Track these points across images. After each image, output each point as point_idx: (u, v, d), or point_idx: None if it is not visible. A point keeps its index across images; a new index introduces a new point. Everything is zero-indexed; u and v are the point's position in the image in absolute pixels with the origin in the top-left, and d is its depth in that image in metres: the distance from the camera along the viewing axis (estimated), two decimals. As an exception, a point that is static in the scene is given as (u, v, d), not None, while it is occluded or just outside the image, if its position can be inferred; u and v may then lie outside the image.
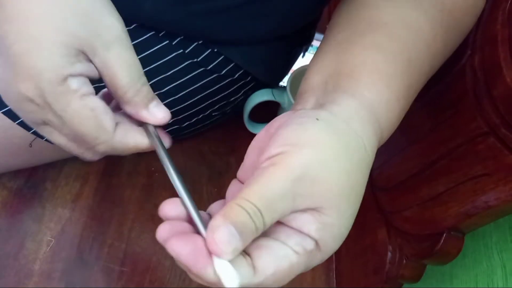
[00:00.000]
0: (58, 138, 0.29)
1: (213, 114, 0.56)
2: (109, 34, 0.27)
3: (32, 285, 0.46)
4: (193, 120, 0.54)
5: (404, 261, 0.41)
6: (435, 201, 0.37)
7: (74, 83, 0.26)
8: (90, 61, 0.27)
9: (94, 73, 0.28)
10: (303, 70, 0.61)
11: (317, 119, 0.25)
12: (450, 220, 0.35)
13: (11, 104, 0.27)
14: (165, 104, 0.49)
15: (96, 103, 0.27)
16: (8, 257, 0.47)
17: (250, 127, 0.61)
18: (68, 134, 0.28)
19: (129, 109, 0.29)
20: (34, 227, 0.50)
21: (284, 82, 0.71)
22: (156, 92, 0.47)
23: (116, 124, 0.29)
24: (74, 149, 0.29)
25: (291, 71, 0.62)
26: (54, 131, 0.28)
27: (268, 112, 0.64)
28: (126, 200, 0.54)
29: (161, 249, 0.51)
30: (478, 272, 0.37)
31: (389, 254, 0.43)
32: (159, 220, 0.52)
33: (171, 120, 0.52)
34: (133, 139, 0.29)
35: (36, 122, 0.28)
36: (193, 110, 0.52)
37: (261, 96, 0.55)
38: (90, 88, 0.27)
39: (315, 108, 0.28)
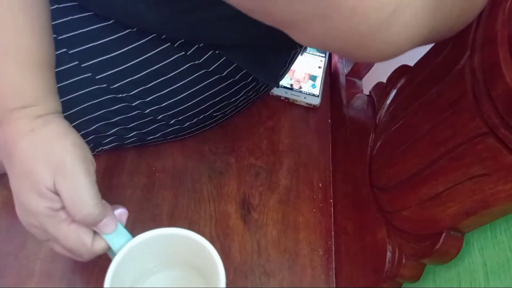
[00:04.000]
0: (58, 248, 0.38)
1: (214, 114, 0.56)
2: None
3: (33, 285, 0.46)
4: (194, 121, 0.54)
5: (404, 261, 0.41)
6: (434, 201, 0.37)
7: (62, 214, 0.35)
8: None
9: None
10: None
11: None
12: (450, 220, 0.35)
13: (27, 228, 0.37)
14: (166, 106, 0.50)
15: (78, 226, 0.36)
16: (9, 256, 0.47)
17: None
18: (63, 247, 0.38)
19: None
20: (35, 227, 0.50)
21: (283, 82, 0.71)
22: (158, 94, 0.48)
23: (93, 236, 0.38)
24: (70, 255, 0.39)
25: (291, 71, 0.62)
26: (54, 244, 0.38)
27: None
28: (127, 200, 0.54)
29: (161, 249, 0.51)
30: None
31: (389, 253, 0.43)
32: (159, 220, 0.52)
33: (173, 121, 0.52)
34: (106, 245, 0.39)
35: (42, 239, 0.38)
36: (195, 111, 0.52)
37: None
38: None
39: None
